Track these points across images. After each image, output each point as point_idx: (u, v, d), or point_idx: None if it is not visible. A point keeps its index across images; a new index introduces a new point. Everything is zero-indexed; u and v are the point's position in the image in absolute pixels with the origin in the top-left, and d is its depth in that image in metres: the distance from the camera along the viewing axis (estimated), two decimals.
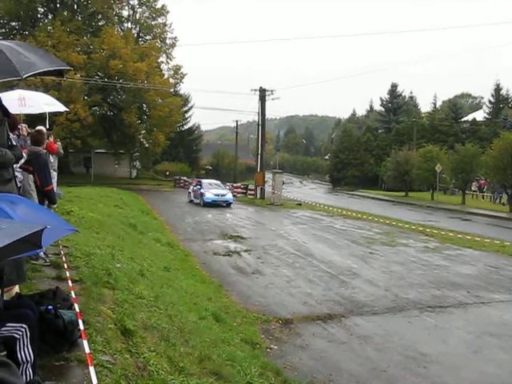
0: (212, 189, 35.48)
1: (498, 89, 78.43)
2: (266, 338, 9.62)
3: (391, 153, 55.96)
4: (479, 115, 79.06)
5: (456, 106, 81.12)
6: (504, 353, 9.35)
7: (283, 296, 12.67)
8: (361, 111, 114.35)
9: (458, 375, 8.29)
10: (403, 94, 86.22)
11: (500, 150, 37.68)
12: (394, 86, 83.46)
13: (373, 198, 50.91)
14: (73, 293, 6.29)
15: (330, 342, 9.65)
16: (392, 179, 55.05)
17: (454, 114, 76.89)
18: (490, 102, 79.94)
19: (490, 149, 39.54)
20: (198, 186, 36.15)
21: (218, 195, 34.72)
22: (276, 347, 9.25)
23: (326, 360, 8.77)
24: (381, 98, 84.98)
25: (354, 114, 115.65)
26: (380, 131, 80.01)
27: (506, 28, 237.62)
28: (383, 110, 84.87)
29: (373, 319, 11.11)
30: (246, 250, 18.64)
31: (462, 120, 77.77)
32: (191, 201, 36.70)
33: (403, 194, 52.55)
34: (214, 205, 33.65)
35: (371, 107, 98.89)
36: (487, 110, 79.43)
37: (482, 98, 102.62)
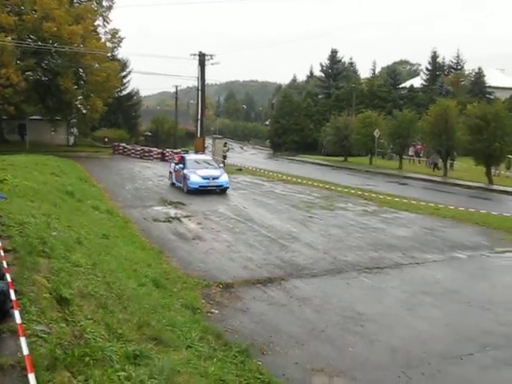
0: (199, 169, 25.69)
1: (434, 56, 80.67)
2: (206, 303, 9.64)
3: (331, 118, 56.39)
4: (417, 82, 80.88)
5: (394, 73, 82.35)
6: (436, 310, 9.74)
7: (224, 261, 12.72)
8: (301, 77, 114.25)
9: (392, 333, 8.58)
10: (343, 60, 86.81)
11: (436, 116, 38.63)
12: (333, 52, 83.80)
13: (313, 163, 51.41)
14: (5, 263, 6.13)
15: (270, 304, 9.78)
16: (331, 144, 55.51)
17: (393, 81, 78.17)
18: (427, 69, 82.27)
19: (427, 115, 40.47)
20: (181, 165, 26.37)
21: (207, 178, 25.01)
22: (217, 311, 9.30)
23: (266, 322, 8.89)
24: (321, 64, 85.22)
25: (294, 80, 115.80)
26: (320, 97, 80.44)
27: None
28: (323, 75, 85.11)
29: (312, 281, 11.32)
30: (186, 216, 18.57)
31: (400, 86, 79.25)
32: (173, 184, 27.55)
33: (342, 158, 53.23)
34: (202, 191, 24.54)
35: (311, 73, 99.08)
36: (424, 77, 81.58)
37: (420, 65, 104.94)
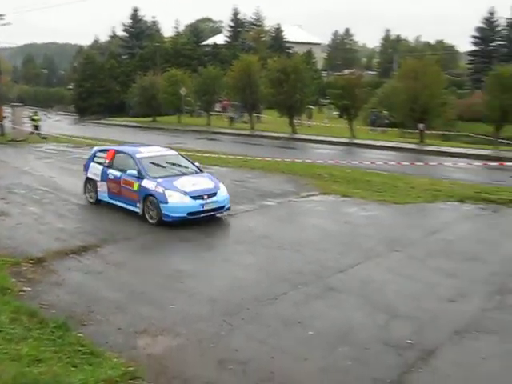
0: (174, 178, 13.26)
1: (236, 13, 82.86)
2: (17, 281, 9.00)
3: (136, 78, 55.36)
4: (220, 39, 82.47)
5: (197, 30, 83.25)
6: (251, 257, 10.25)
7: (33, 234, 11.96)
8: (104, 37, 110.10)
9: (211, 285, 8.81)
10: (145, 19, 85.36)
11: (239, 72, 39.88)
12: (135, 10, 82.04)
13: (120, 126, 50.15)
14: None
15: (86, 273, 9.45)
16: (139, 105, 54.79)
17: (196, 38, 79.02)
18: (229, 26, 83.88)
19: (231, 71, 41.53)
20: (132, 171, 13.41)
21: (200, 197, 12.59)
22: (29, 288, 8.76)
23: (84, 292, 8.59)
24: (123, 23, 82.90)
25: (96, 41, 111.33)
26: (124, 57, 78.53)
27: None
28: (126, 35, 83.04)
29: (128, 244, 11.22)
30: None
31: (204, 44, 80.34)
32: (99, 201, 14.63)
33: (151, 119, 52.68)
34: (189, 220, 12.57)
35: (114, 33, 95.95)
36: (227, 34, 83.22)
37: (222, 22, 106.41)
